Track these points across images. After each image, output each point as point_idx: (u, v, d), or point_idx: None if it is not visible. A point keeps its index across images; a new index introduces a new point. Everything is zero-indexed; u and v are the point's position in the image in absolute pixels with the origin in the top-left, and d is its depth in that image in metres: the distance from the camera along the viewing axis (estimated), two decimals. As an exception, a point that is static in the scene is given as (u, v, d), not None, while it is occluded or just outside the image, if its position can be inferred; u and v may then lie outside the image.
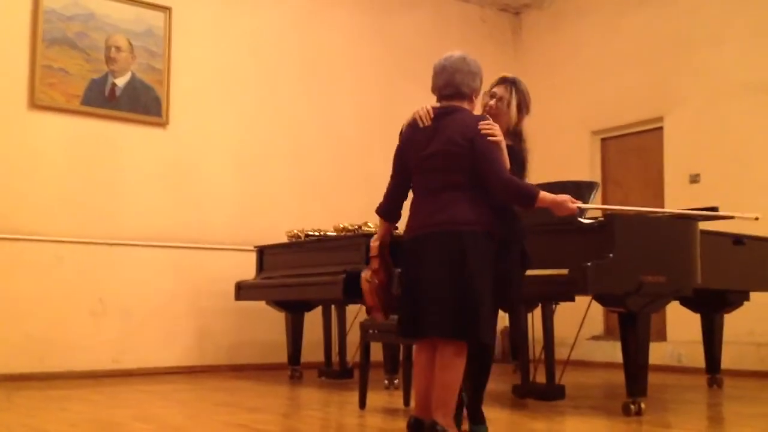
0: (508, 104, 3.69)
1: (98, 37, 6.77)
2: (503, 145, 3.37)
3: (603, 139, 8.38)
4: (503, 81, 3.76)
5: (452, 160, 3.31)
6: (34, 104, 6.45)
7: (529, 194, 3.28)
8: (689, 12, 7.50)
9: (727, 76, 7.12)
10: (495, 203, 3.37)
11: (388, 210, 3.59)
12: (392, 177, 3.58)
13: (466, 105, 3.44)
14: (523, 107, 3.73)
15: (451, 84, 3.45)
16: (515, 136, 3.70)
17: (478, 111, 3.60)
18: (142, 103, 6.93)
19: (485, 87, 3.69)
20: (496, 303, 3.39)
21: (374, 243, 3.53)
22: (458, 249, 3.24)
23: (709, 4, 7.38)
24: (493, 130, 3.34)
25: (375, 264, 3.50)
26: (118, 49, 6.86)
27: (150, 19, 7.01)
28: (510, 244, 3.52)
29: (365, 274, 3.52)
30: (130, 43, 6.91)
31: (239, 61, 7.49)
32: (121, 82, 6.86)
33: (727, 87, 7.12)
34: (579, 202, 3.41)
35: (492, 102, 3.70)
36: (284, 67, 7.72)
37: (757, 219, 4.16)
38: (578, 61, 8.51)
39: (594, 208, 3.49)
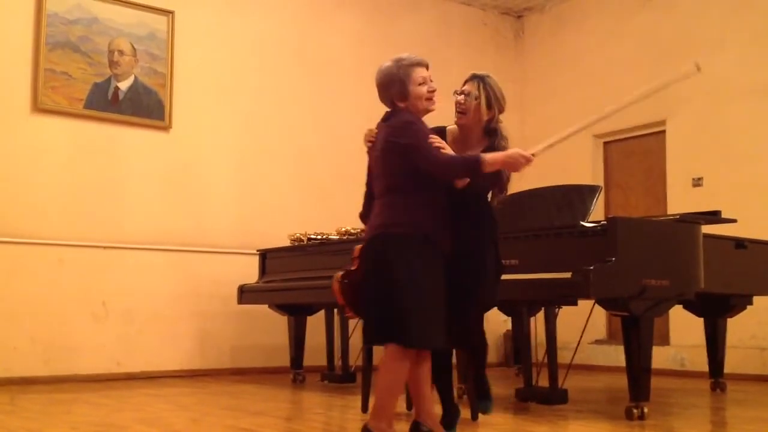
0: (476, 99, 3.63)
1: (101, 40, 6.79)
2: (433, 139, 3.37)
3: (605, 143, 8.37)
4: (472, 78, 3.73)
5: (386, 163, 3.40)
6: (38, 108, 6.46)
7: (472, 162, 3.28)
8: (691, 15, 7.50)
9: (730, 80, 7.12)
10: (441, 205, 3.38)
11: (364, 214, 3.65)
12: (366, 185, 3.70)
13: (403, 107, 3.47)
14: (493, 103, 3.66)
15: (382, 96, 3.55)
16: (491, 133, 3.67)
17: (446, 108, 3.67)
18: (144, 106, 6.94)
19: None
20: (437, 306, 3.28)
21: (358, 246, 3.56)
22: (383, 252, 3.28)
23: (711, 8, 7.38)
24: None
25: (354, 265, 3.52)
26: (120, 52, 6.87)
27: (153, 23, 7.02)
28: (481, 250, 3.57)
29: (337, 274, 3.56)
30: (133, 47, 6.92)
31: (242, 64, 7.50)
32: (124, 85, 6.87)
33: (730, 90, 7.12)
34: (531, 150, 3.35)
35: (460, 98, 3.67)
36: (287, 70, 7.73)
37: (698, 69, 3.85)
38: (580, 64, 8.51)
39: (544, 148, 3.41)
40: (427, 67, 3.48)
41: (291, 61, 7.77)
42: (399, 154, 3.33)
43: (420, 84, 3.43)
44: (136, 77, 6.92)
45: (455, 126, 3.74)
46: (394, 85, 3.43)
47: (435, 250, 3.32)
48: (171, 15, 7.09)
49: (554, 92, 8.73)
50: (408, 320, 3.19)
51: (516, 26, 9.32)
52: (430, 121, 3.56)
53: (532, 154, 3.32)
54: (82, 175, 6.63)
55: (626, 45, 8.07)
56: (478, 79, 3.69)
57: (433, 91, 3.47)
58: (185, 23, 7.17)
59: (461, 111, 3.66)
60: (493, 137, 3.64)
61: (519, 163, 3.32)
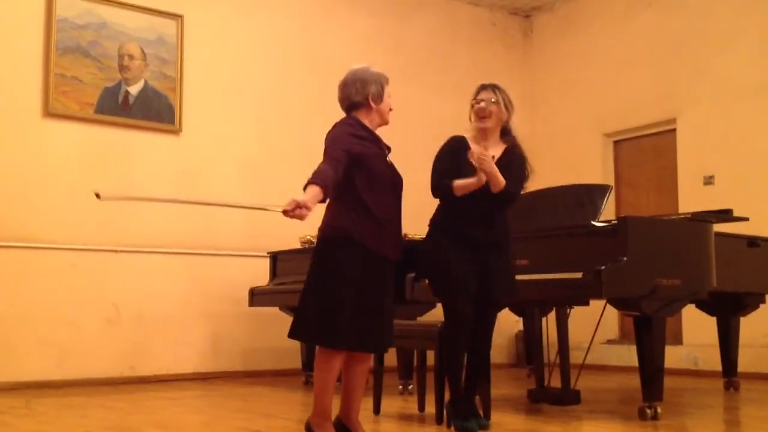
0: (496, 103, 3.98)
1: (111, 45, 6.81)
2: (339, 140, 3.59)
3: (615, 142, 8.35)
4: (484, 87, 4.05)
5: None
6: (48, 113, 6.49)
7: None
8: (700, 13, 7.48)
9: (740, 78, 7.09)
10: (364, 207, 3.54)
11: None
12: None
13: (362, 112, 3.66)
14: (509, 106, 4.02)
15: (343, 98, 3.76)
16: (507, 133, 4.07)
17: (464, 119, 4.03)
18: (155, 110, 6.97)
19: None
20: (339, 306, 3.41)
21: None
22: (314, 253, 3.55)
23: (720, 5, 7.35)
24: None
25: None
26: (130, 57, 6.90)
27: (162, 27, 7.04)
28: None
29: None
30: (143, 51, 6.95)
31: (251, 67, 7.51)
32: (134, 89, 6.89)
33: (740, 88, 7.09)
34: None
35: (482, 105, 3.98)
36: (296, 72, 7.74)
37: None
38: (589, 64, 8.49)
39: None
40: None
41: (299, 63, 7.77)
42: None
43: (389, 97, 3.68)
44: (146, 81, 6.95)
45: (474, 133, 4.05)
46: (368, 86, 3.63)
47: (352, 250, 3.43)
48: (180, 19, 7.11)
49: (563, 91, 8.71)
50: (304, 319, 3.46)
51: (524, 26, 9.31)
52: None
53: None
54: (93, 180, 6.63)
55: (634, 44, 8.05)
56: (492, 87, 4.02)
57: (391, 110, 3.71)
58: (194, 27, 7.19)
59: (484, 116, 3.98)
60: (508, 137, 4.04)
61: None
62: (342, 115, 3.77)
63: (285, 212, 3.28)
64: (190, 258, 6.99)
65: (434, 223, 4.09)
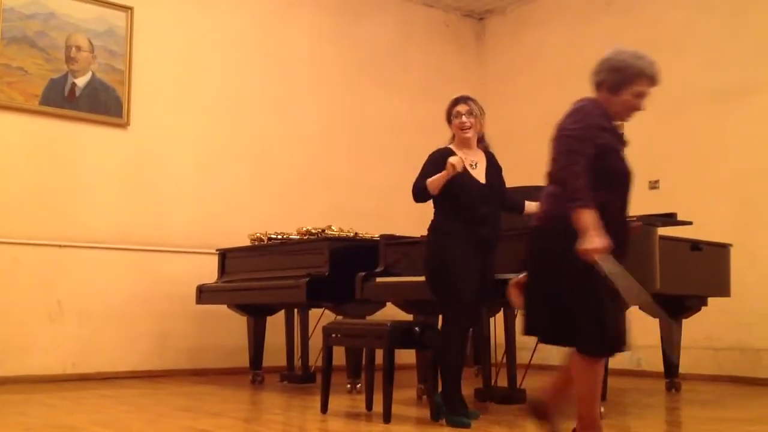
0: (475, 115, 4.30)
1: (58, 36, 6.68)
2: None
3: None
4: (459, 101, 4.32)
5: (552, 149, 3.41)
6: (-8, 103, 6.34)
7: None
8: (652, 19, 7.59)
9: (690, 84, 7.21)
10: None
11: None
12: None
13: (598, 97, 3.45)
14: (483, 114, 4.37)
15: (595, 76, 3.48)
16: (482, 140, 4.41)
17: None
18: (102, 103, 6.85)
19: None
20: (608, 306, 3.11)
21: None
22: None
23: (672, 12, 7.48)
24: None
25: None
26: (78, 48, 6.77)
27: (111, 19, 6.92)
28: None
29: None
30: (91, 43, 6.82)
31: (202, 61, 7.43)
32: (81, 82, 6.76)
33: (689, 94, 7.20)
34: None
35: (464, 119, 4.27)
36: (248, 68, 7.68)
37: None
38: (540, 67, 8.58)
39: None
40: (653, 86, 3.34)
41: (253, 58, 7.71)
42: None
43: (635, 95, 3.32)
44: (93, 73, 6.82)
45: (457, 143, 4.33)
46: (619, 74, 3.31)
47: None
48: (130, 11, 6.99)
49: (515, 94, 8.78)
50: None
51: (477, 28, 9.37)
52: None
53: None
54: (38, 173, 6.52)
55: (588, 47, 8.09)
56: (465, 99, 4.32)
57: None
58: (144, 20, 7.08)
59: (468, 128, 4.27)
60: (483, 143, 4.41)
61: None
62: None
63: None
64: (137, 254, 6.88)
65: (438, 224, 4.27)
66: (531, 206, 4.31)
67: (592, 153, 3.15)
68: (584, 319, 3.04)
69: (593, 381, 3.13)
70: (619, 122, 3.43)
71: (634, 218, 4.89)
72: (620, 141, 3.43)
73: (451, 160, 4.06)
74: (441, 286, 4.19)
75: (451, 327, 4.16)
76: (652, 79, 3.29)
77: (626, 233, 3.27)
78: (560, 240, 3.04)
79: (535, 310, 3.21)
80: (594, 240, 2.94)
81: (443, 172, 4.09)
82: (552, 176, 3.22)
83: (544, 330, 3.20)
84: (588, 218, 2.97)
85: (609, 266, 2.95)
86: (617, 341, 3.10)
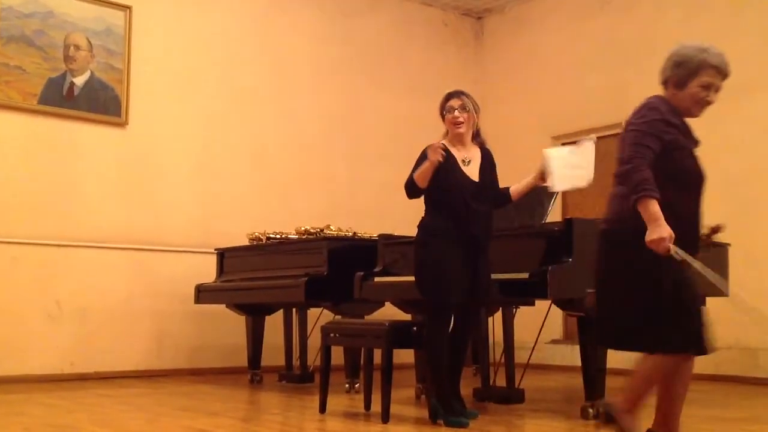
0: (468, 111, 4.18)
1: (57, 35, 6.67)
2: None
3: (563, 144, 8.43)
4: (452, 95, 4.20)
5: (620, 147, 3.24)
6: (-10, 103, 6.34)
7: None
8: (650, 17, 7.60)
9: (686, 83, 7.21)
10: None
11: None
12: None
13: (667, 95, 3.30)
14: (477, 109, 4.25)
15: (664, 72, 3.29)
16: (477, 134, 4.30)
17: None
18: (101, 102, 6.84)
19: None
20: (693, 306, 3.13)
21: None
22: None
23: (670, 10, 7.48)
24: None
25: None
26: (77, 47, 6.76)
27: (110, 18, 6.92)
28: None
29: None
30: (90, 42, 6.81)
31: (200, 61, 7.43)
32: (79, 81, 6.76)
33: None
34: None
35: (457, 114, 4.15)
36: (246, 67, 7.67)
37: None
38: (539, 66, 8.58)
39: None
40: (722, 77, 3.18)
41: (251, 58, 7.71)
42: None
43: (702, 87, 3.18)
44: (92, 72, 6.82)
45: (450, 138, 4.21)
46: (682, 68, 3.19)
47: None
48: (128, 10, 6.99)
49: (512, 92, 8.79)
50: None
51: (476, 27, 9.37)
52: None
53: None
54: (36, 172, 6.52)
55: (585, 46, 8.15)
56: (459, 93, 4.20)
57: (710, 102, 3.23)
58: (143, 18, 7.08)
59: (461, 123, 4.16)
60: (479, 138, 4.29)
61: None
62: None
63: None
64: (136, 253, 6.88)
65: (426, 223, 4.20)
66: (516, 188, 4.26)
67: (659, 148, 3.05)
68: (667, 317, 2.97)
69: (662, 379, 3.17)
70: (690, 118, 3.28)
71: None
72: (690, 139, 3.31)
73: (430, 146, 3.97)
74: (424, 286, 4.13)
75: (431, 327, 4.10)
76: (718, 69, 3.14)
77: (696, 237, 3.18)
78: (631, 240, 2.96)
79: (611, 316, 3.14)
80: (662, 229, 2.87)
81: (427, 162, 3.98)
82: (618, 175, 3.06)
83: (622, 336, 3.17)
84: (654, 208, 2.89)
85: (688, 256, 2.89)
86: (702, 337, 3.02)
